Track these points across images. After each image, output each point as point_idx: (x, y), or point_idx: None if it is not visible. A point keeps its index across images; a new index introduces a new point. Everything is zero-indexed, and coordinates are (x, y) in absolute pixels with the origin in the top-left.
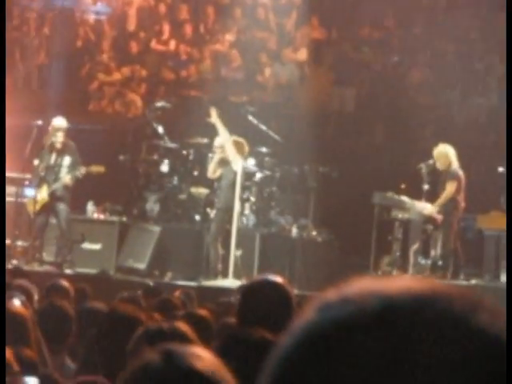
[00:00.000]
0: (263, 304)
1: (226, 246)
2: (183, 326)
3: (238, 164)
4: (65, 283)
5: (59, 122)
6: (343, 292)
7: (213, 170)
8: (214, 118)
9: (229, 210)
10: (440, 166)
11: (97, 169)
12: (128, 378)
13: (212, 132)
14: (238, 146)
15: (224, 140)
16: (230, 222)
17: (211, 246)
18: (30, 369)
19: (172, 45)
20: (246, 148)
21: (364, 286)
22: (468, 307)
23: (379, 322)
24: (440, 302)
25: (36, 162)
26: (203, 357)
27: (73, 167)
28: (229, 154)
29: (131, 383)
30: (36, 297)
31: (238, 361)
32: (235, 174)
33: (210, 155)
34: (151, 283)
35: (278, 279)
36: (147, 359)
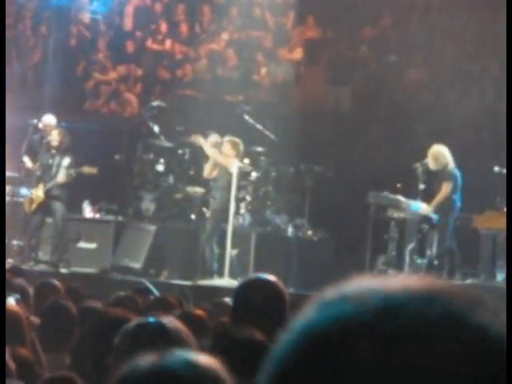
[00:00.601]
0: (256, 303)
1: (222, 246)
2: (174, 321)
3: (234, 166)
4: (56, 282)
5: (48, 119)
6: (343, 290)
7: (209, 171)
8: (201, 142)
9: (224, 209)
10: (435, 165)
11: (89, 170)
12: (120, 380)
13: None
14: (233, 146)
15: (215, 157)
16: (225, 221)
17: (207, 245)
18: (24, 368)
19: (168, 44)
20: (242, 147)
21: (364, 284)
22: (468, 304)
23: (379, 320)
24: (440, 300)
25: (26, 159)
26: (203, 358)
27: (71, 167)
28: (223, 163)
29: None
30: (32, 296)
31: (227, 359)
32: (231, 174)
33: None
34: (147, 282)
35: (271, 277)
36: (140, 364)
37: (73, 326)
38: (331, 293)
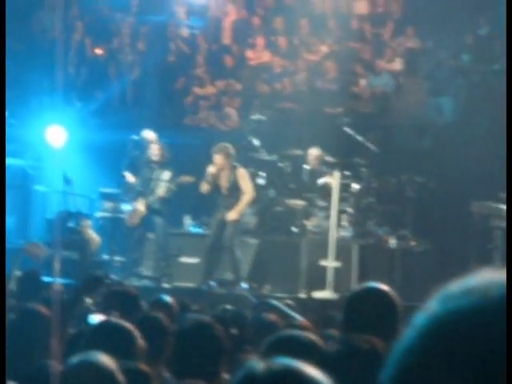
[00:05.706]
0: (369, 312)
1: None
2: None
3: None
4: (168, 298)
5: (147, 134)
6: (465, 283)
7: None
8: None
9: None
10: None
11: (186, 179)
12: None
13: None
14: (226, 156)
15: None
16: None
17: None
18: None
19: (266, 58)
20: (231, 150)
21: (486, 276)
22: None
23: (502, 311)
24: None
25: (129, 176)
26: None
27: (171, 181)
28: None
29: None
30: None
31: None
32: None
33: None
34: (250, 296)
35: (384, 287)
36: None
37: (166, 338)
38: (454, 286)
